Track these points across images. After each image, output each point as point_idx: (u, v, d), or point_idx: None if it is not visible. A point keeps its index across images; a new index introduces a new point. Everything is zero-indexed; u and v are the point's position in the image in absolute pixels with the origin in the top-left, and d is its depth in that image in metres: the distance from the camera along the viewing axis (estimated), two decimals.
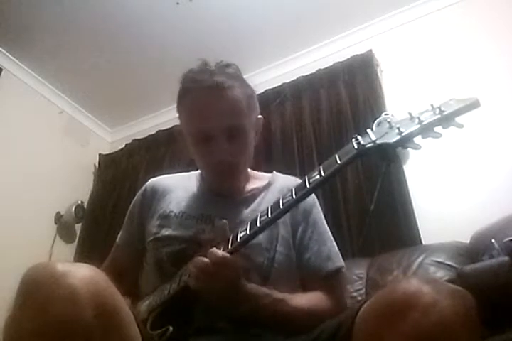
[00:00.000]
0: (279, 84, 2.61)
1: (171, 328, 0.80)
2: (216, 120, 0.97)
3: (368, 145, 0.73)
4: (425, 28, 2.38)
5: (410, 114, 0.71)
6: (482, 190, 1.85)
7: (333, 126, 2.31)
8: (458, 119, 0.69)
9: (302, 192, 0.78)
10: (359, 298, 1.51)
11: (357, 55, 2.43)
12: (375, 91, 2.27)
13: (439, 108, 0.69)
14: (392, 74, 2.36)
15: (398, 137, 0.69)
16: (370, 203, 1.92)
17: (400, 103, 2.19)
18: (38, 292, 0.59)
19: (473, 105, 0.68)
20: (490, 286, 0.90)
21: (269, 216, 0.80)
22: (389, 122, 0.73)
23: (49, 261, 0.65)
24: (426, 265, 1.50)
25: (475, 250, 1.43)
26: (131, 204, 1.16)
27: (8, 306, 0.62)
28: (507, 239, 1.08)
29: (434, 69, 2.23)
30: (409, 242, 1.81)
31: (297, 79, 2.57)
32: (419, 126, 0.69)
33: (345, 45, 2.59)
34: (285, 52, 2.75)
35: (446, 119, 0.68)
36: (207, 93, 0.97)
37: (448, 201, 1.91)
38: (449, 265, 1.46)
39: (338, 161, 0.76)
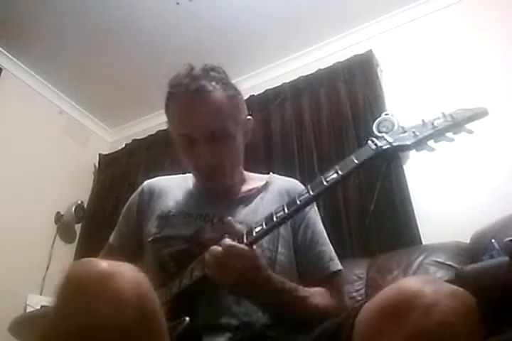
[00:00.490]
0: (279, 84, 2.61)
1: (187, 319, 0.79)
2: (198, 123, 0.98)
3: (385, 147, 0.76)
4: (425, 28, 2.38)
5: (423, 120, 0.76)
6: (482, 190, 1.85)
7: (333, 126, 2.31)
8: (468, 126, 0.74)
9: (319, 189, 0.79)
10: (359, 298, 1.51)
11: (357, 55, 2.43)
12: (375, 91, 2.27)
13: (451, 115, 0.74)
14: (392, 74, 2.36)
15: (414, 140, 0.74)
16: (370, 203, 1.92)
17: (400, 103, 2.19)
18: (83, 293, 0.58)
19: (482, 114, 0.74)
20: (490, 286, 0.90)
21: (286, 211, 0.81)
22: (403, 127, 0.77)
23: (95, 259, 0.64)
24: (426, 265, 1.50)
25: (475, 250, 1.43)
26: (127, 205, 1.17)
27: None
28: (507, 239, 1.07)
29: (434, 69, 2.23)
30: (409, 242, 1.81)
31: (297, 79, 2.57)
32: (432, 130, 0.74)
33: (345, 45, 2.59)
34: (285, 52, 2.74)
35: (458, 126, 0.74)
36: (188, 97, 0.99)
37: (448, 201, 1.91)
38: (449, 265, 1.46)
39: (356, 161, 0.77)
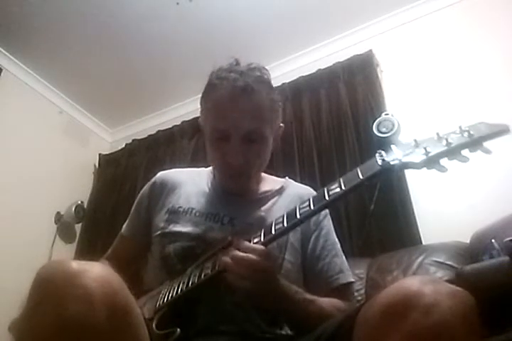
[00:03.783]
0: (279, 84, 2.61)
1: (178, 330, 0.79)
2: (237, 121, 0.95)
3: (392, 163, 0.71)
4: (425, 28, 2.38)
5: (437, 134, 0.69)
6: (482, 190, 1.85)
7: (333, 126, 2.30)
8: (486, 144, 0.67)
9: (320, 204, 0.76)
10: (359, 298, 1.51)
11: (357, 55, 2.43)
12: (375, 91, 2.27)
13: (468, 131, 0.67)
14: (392, 74, 2.36)
15: (424, 157, 0.68)
16: (370, 203, 1.92)
17: (400, 103, 2.19)
18: (52, 291, 0.59)
19: (503, 131, 0.67)
20: (490, 286, 0.90)
21: (285, 225, 0.79)
22: (415, 140, 0.71)
23: (64, 259, 0.64)
24: (426, 265, 1.50)
25: (475, 250, 1.43)
26: (139, 196, 1.15)
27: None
28: (507, 239, 1.08)
29: (434, 69, 2.22)
30: (409, 242, 1.81)
31: (297, 79, 2.57)
32: (446, 147, 0.67)
33: (345, 45, 2.59)
34: (285, 52, 2.75)
35: (475, 143, 0.67)
36: (233, 92, 0.95)
37: (448, 201, 1.91)
38: (449, 265, 1.46)
39: (360, 176, 0.73)
